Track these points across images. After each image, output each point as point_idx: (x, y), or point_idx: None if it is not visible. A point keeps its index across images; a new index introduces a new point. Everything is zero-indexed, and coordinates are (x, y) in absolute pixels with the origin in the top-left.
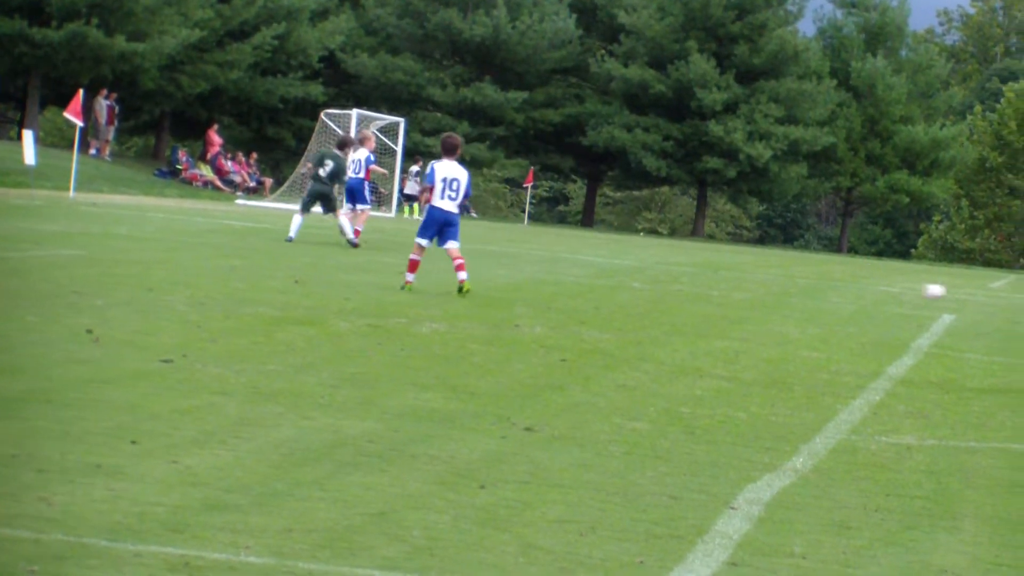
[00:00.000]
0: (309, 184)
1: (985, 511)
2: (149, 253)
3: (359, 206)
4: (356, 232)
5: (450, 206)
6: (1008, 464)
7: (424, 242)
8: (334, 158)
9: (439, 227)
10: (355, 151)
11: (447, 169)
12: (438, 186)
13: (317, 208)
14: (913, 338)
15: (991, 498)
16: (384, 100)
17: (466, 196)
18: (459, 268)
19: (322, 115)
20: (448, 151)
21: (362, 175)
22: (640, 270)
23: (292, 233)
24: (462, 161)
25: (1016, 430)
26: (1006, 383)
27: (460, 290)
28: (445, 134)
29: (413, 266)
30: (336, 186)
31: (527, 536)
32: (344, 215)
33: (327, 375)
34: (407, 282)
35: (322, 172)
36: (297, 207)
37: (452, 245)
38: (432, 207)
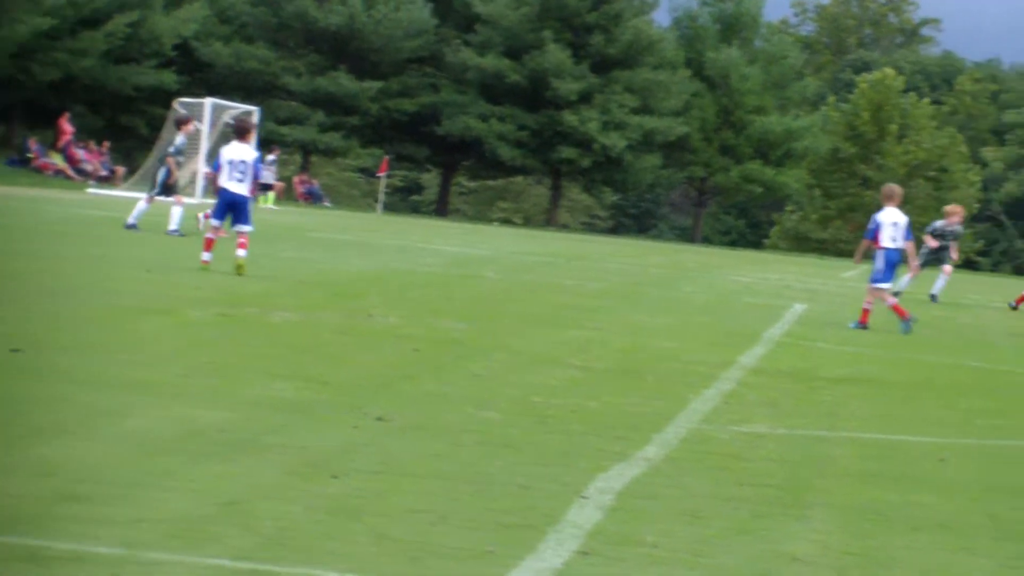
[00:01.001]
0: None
1: (836, 500)
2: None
3: None
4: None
5: (237, 187)
6: (858, 453)
7: (216, 223)
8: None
9: (227, 207)
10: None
11: (234, 151)
12: (225, 168)
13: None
14: (765, 328)
15: (842, 487)
16: (238, 89)
17: (255, 178)
18: (240, 246)
19: (174, 103)
20: (239, 134)
21: None
22: (494, 260)
23: (173, 226)
24: (255, 145)
25: (866, 419)
26: (857, 372)
27: (237, 268)
28: (238, 116)
29: (208, 244)
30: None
31: (379, 526)
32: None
33: (179, 365)
34: (203, 262)
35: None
36: (170, 199)
37: (243, 228)
38: (221, 188)
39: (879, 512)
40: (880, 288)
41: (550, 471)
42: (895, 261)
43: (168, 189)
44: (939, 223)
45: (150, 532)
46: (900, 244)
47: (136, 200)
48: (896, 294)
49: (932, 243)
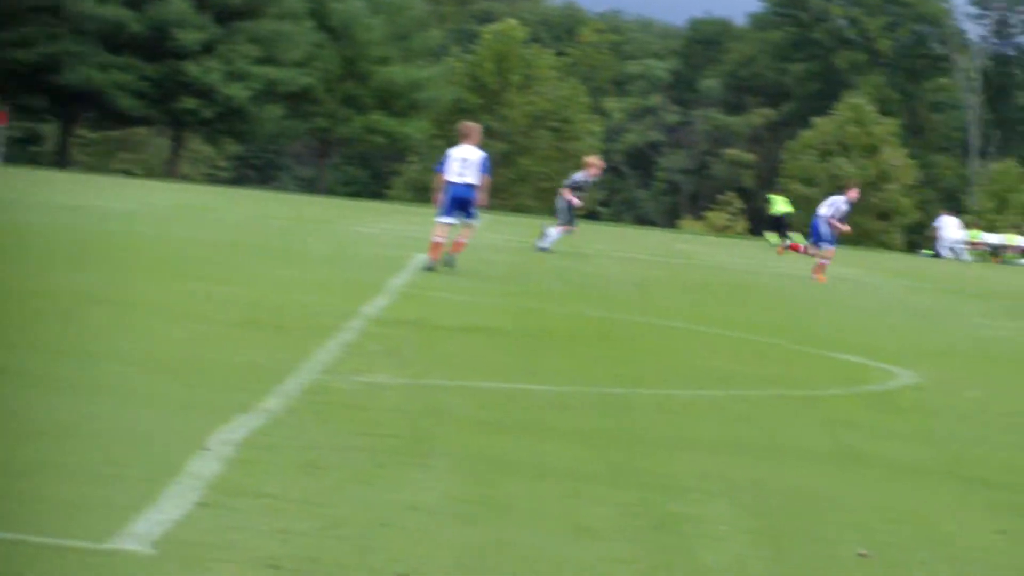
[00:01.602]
0: None
1: (457, 449)
2: None
3: None
4: None
5: None
6: (477, 402)
7: None
8: None
9: None
10: None
11: None
12: None
13: None
14: (388, 278)
15: (463, 436)
16: None
17: None
18: None
19: None
20: None
21: None
22: (117, 211)
23: None
24: None
25: (485, 368)
26: (479, 322)
27: None
28: None
29: None
30: None
31: None
32: None
33: None
34: None
35: None
36: None
37: None
38: None
39: (500, 460)
40: (441, 222)
41: (171, 423)
42: (459, 196)
43: None
44: (579, 176)
45: None
46: (469, 179)
47: None
48: (544, 248)
49: (576, 200)
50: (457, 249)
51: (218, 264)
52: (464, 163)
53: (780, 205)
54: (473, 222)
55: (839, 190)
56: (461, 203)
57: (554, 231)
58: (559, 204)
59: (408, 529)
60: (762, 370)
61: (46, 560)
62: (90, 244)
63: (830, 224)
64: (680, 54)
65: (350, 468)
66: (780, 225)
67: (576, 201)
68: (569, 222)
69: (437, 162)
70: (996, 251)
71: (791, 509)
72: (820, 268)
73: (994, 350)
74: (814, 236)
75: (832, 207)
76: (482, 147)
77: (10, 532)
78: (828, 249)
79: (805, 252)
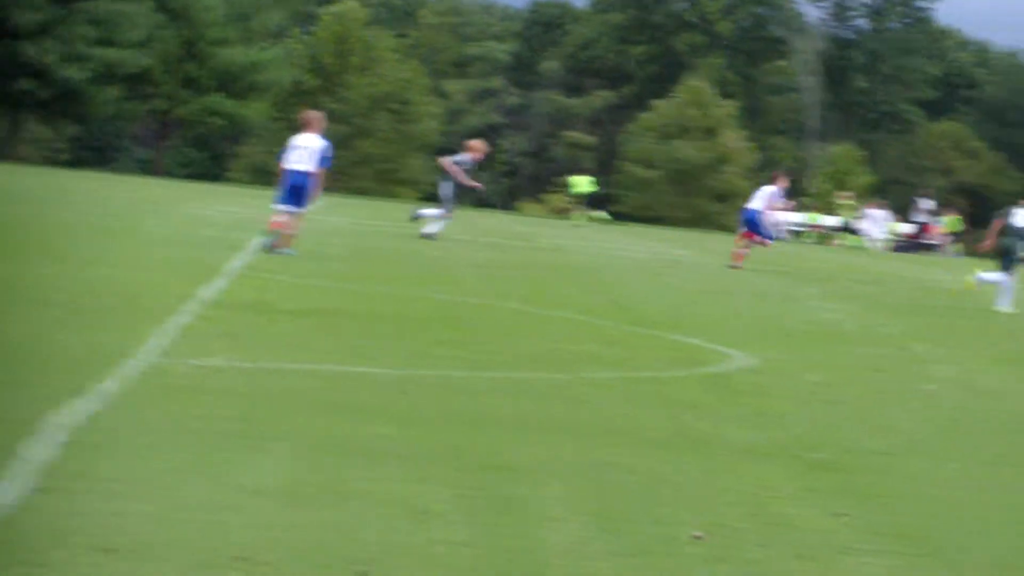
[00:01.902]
0: None
1: (294, 432)
2: None
3: None
4: None
5: None
6: (318, 385)
7: None
8: None
9: None
10: None
11: None
12: None
13: None
14: (227, 260)
15: (301, 418)
16: None
17: None
18: None
19: None
20: None
21: None
22: None
23: None
24: None
25: (325, 351)
26: (316, 305)
27: None
28: None
29: None
30: None
31: None
32: None
33: None
34: None
35: None
36: None
37: None
38: None
39: (340, 443)
40: (277, 209)
41: (2, 407)
42: (295, 183)
43: None
44: (468, 158)
45: None
46: (306, 167)
47: None
48: (418, 216)
49: (475, 184)
50: (288, 243)
51: (52, 245)
52: (303, 151)
53: (585, 186)
54: (300, 211)
55: (770, 181)
56: (297, 190)
57: (437, 216)
58: (443, 191)
59: (246, 513)
60: (603, 352)
61: None
62: None
63: (765, 214)
64: (521, 36)
65: (188, 452)
66: (591, 203)
67: (476, 184)
68: (449, 208)
69: (280, 151)
70: (833, 233)
71: (630, 491)
72: (740, 256)
73: (831, 332)
74: (751, 229)
75: (765, 200)
76: (325, 134)
77: None
78: (769, 242)
79: (761, 244)
